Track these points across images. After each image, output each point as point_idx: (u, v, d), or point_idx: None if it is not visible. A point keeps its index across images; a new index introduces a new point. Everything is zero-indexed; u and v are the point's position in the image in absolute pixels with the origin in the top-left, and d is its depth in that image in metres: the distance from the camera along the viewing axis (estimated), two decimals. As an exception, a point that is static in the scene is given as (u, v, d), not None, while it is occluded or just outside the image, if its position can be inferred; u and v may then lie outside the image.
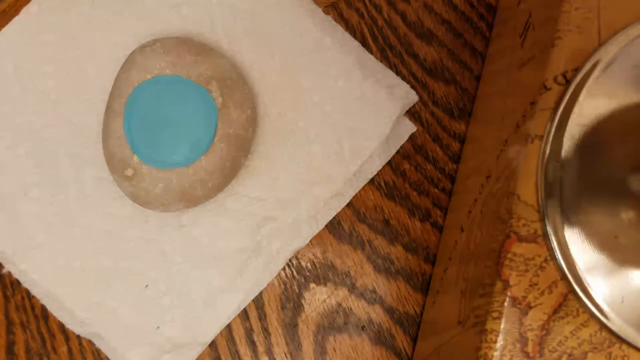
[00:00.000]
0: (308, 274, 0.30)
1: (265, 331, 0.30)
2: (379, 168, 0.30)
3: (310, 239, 0.30)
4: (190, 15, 0.30)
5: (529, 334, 0.22)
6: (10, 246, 0.28)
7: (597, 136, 0.23)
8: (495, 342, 0.22)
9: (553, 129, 0.23)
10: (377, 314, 0.30)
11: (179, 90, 0.26)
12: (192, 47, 0.27)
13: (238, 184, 0.29)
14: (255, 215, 0.29)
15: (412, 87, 0.31)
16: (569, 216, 0.23)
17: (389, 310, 0.30)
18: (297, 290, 0.30)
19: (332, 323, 0.30)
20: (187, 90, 0.26)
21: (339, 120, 0.30)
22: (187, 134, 0.26)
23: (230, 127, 0.27)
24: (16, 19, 0.29)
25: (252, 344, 0.30)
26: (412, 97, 0.30)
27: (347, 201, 0.30)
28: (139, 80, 0.26)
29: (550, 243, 0.22)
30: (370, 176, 0.30)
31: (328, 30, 0.30)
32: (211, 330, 0.29)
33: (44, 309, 0.29)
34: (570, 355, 0.22)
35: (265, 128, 0.30)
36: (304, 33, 0.30)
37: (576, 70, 0.23)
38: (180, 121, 0.26)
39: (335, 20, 0.31)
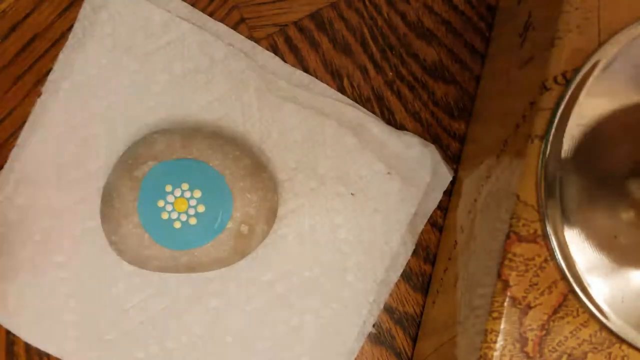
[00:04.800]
0: (308, 274, 0.30)
1: (265, 331, 0.30)
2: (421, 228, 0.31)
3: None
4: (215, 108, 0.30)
5: (529, 334, 0.22)
6: None
7: (597, 136, 0.23)
8: (495, 342, 0.22)
9: (553, 129, 0.23)
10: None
11: (193, 173, 0.26)
12: (207, 133, 0.28)
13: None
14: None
15: (412, 87, 0.31)
16: (569, 216, 0.22)
17: (389, 310, 0.30)
18: (297, 290, 0.30)
19: (332, 323, 0.30)
20: (201, 172, 0.26)
21: (364, 202, 0.30)
22: (204, 216, 0.26)
23: (247, 207, 0.27)
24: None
25: (252, 344, 0.30)
26: (444, 173, 0.30)
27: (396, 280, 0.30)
28: (152, 163, 0.26)
29: (550, 243, 0.22)
30: (416, 237, 0.30)
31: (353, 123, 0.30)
32: None
33: (44, 309, 0.29)
34: (570, 355, 0.22)
35: (288, 227, 0.30)
36: (325, 132, 0.30)
37: (576, 70, 0.23)
38: (197, 203, 0.26)
39: (335, 20, 0.31)
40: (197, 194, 0.26)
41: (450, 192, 0.31)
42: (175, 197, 0.26)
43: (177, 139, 0.27)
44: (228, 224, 0.26)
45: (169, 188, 0.26)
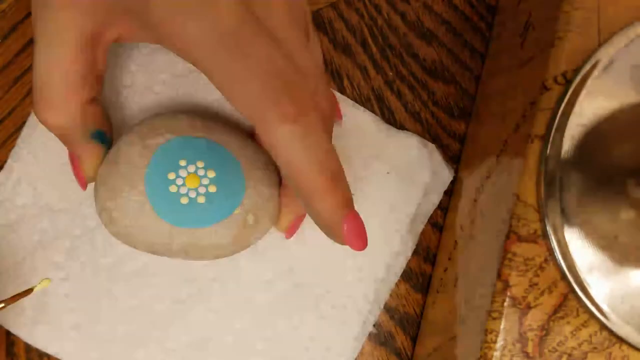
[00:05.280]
0: (308, 274, 0.30)
1: (265, 331, 0.30)
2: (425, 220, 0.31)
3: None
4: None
5: (529, 334, 0.22)
6: None
7: (597, 136, 0.23)
8: (495, 342, 0.22)
9: (553, 129, 0.23)
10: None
11: (210, 153, 0.26)
12: (227, 122, 0.28)
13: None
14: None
15: (412, 87, 0.31)
16: (569, 216, 0.23)
17: (389, 310, 0.30)
18: (297, 290, 0.30)
19: (332, 323, 0.30)
20: (218, 155, 0.26)
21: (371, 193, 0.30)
22: (214, 197, 0.26)
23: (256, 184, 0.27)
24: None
25: (252, 344, 0.30)
26: (444, 173, 0.31)
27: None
28: (163, 140, 0.26)
29: (550, 243, 0.22)
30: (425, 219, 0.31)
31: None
32: None
33: (44, 309, 0.29)
34: (570, 355, 0.22)
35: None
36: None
37: (576, 70, 0.23)
38: (210, 182, 0.26)
39: (335, 20, 0.31)
40: (211, 173, 0.25)
41: (451, 192, 0.31)
42: (189, 173, 0.25)
43: (198, 120, 0.27)
44: (236, 210, 0.26)
45: (183, 162, 0.25)
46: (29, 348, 0.29)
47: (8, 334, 0.29)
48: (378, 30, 0.31)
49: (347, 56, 0.31)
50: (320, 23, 0.31)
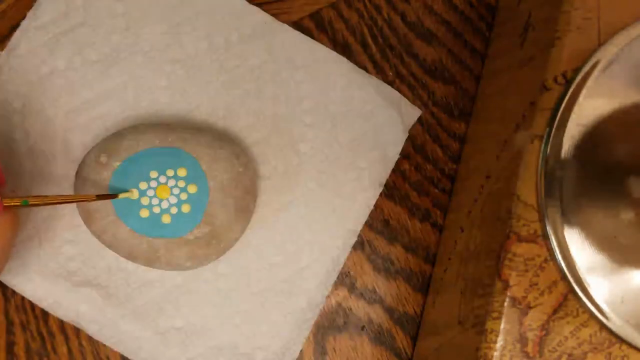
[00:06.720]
0: (308, 274, 0.30)
1: (265, 331, 0.30)
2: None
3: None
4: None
5: (529, 334, 0.22)
6: None
7: (597, 136, 0.23)
8: (495, 342, 0.22)
9: (553, 129, 0.23)
10: (377, 314, 0.30)
11: (166, 160, 0.27)
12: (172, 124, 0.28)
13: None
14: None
15: (412, 87, 0.31)
16: (569, 216, 0.23)
17: (389, 310, 0.30)
18: (297, 290, 0.30)
19: (332, 323, 0.30)
20: (172, 157, 0.27)
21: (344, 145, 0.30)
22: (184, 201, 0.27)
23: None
24: None
25: (252, 344, 0.30)
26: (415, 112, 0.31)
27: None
28: (127, 154, 0.27)
29: (550, 243, 0.22)
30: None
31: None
32: None
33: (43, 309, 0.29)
34: (570, 355, 0.22)
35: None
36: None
37: (576, 70, 0.23)
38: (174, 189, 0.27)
39: (335, 20, 0.31)
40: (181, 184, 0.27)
41: (451, 192, 0.31)
42: (151, 187, 0.26)
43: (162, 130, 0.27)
44: (197, 225, 0.27)
45: (143, 185, 0.26)
46: (28, 348, 0.29)
47: (8, 333, 0.29)
48: (378, 30, 0.31)
49: (347, 56, 0.31)
50: (320, 23, 0.31)
